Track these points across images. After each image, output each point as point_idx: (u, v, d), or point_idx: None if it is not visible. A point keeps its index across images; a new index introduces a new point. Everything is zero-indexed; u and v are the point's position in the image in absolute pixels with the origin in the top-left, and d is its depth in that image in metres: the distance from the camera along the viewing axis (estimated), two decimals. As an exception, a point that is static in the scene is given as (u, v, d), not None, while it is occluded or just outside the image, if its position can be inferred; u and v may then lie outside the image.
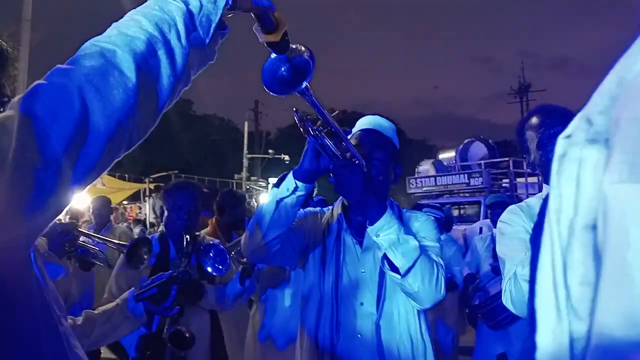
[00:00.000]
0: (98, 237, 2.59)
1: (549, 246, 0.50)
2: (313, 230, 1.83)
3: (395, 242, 1.57)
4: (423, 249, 1.61)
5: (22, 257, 0.75)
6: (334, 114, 1.54)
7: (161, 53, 0.76)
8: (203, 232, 3.60)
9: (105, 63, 0.70)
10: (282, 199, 1.60)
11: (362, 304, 1.70)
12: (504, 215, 1.81)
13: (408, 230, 1.70)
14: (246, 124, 24.78)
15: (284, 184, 1.62)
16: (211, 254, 1.94)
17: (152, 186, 14.48)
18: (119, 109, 0.70)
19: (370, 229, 1.61)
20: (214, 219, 3.88)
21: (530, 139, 1.72)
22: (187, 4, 0.80)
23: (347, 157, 1.60)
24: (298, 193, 1.59)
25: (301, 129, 1.49)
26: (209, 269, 1.94)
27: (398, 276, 1.57)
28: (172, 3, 0.79)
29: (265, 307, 2.80)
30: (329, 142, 1.52)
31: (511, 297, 1.60)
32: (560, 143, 0.50)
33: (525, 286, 1.53)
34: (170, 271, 1.84)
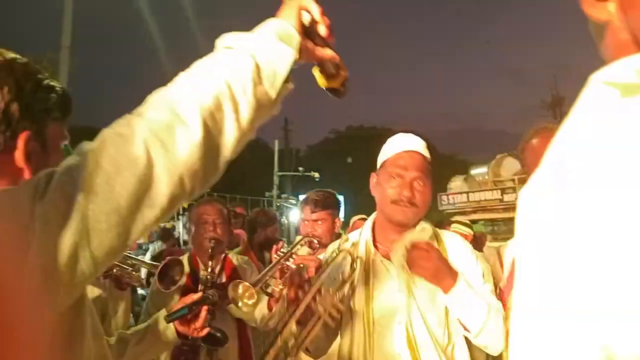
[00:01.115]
0: (132, 258, 2.64)
1: None
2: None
3: (467, 308, 1.61)
4: (491, 308, 1.62)
5: (79, 298, 0.78)
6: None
7: (227, 107, 0.75)
8: (235, 250, 3.62)
9: (171, 116, 0.70)
10: None
11: (399, 323, 1.66)
12: (510, 246, 1.76)
13: (452, 255, 1.71)
14: (276, 142, 25.04)
15: None
16: (240, 291, 1.96)
17: (185, 204, 14.73)
18: (182, 163, 0.70)
19: (444, 297, 1.63)
20: (246, 238, 3.89)
21: (532, 163, 1.66)
22: (255, 58, 0.79)
23: None
24: None
25: None
26: (239, 304, 1.96)
27: (470, 334, 1.62)
28: (240, 56, 0.78)
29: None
30: None
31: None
32: None
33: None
34: (201, 292, 1.84)
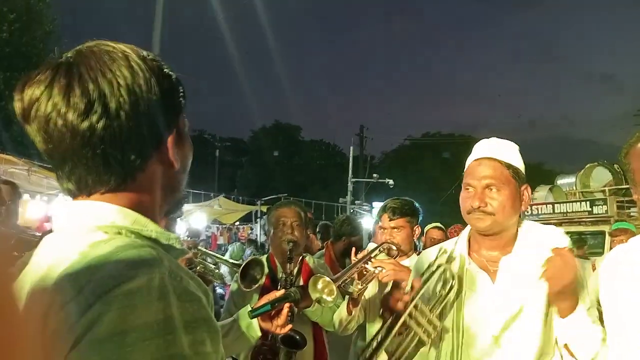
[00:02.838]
0: (215, 256, 2.76)
1: None
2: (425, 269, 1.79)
3: (580, 338, 1.54)
4: (603, 339, 1.54)
5: None
6: None
7: None
8: (317, 254, 3.67)
9: None
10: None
11: (491, 337, 1.62)
12: (609, 264, 1.58)
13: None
14: (351, 148, 25.05)
15: None
16: (319, 286, 1.98)
17: (263, 208, 15.18)
18: None
19: (560, 320, 1.58)
20: (329, 243, 3.92)
21: (637, 168, 1.49)
22: None
23: None
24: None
25: None
26: (319, 299, 1.99)
27: None
28: None
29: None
30: None
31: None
32: None
33: None
34: (284, 290, 1.90)
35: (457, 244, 1.82)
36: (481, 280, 1.69)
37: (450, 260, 1.75)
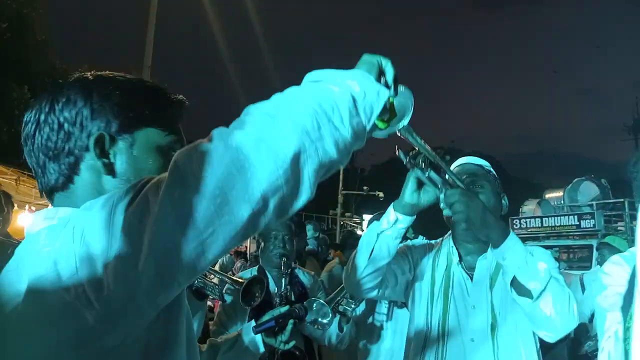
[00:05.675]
0: (214, 271, 2.74)
1: None
2: (420, 263, 1.83)
3: (523, 265, 1.48)
4: (552, 274, 1.52)
5: (175, 304, 0.82)
6: (436, 150, 1.48)
7: (324, 133, 0.74)
8: (326, 268, 3.73)
9: (268, 135, 0.71)
10: (382, 232, 1.61)
11: (472, 339, 1.66)
12: (607, 266, 1.66)
13: None
14: (342, 161, 25.09)
15: (384, 217, 1.64)
16: (314, 308, 2.00)
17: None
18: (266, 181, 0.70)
19: (495, 252, 1.53)
20: (339, 252, 4.38)
21: None
22: (351, 92, 0.80)
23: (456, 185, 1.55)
24: (399, 225, 1.60)
25: (408, 165, 1.51)
26: (314, 323, 2.00)
27: (529, 300, 1.49)
28: (335, 88, 0.79)
29: (367, 346, 2.79)
30: (435, 174, 1.52)
31: (609, 357, 1.46)
32: None
33: (628, 348, 1.44)
34: (288, 306, 1.89)
35: (443, 244, 1.87)
36: (463, 280, 1.75)
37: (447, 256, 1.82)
